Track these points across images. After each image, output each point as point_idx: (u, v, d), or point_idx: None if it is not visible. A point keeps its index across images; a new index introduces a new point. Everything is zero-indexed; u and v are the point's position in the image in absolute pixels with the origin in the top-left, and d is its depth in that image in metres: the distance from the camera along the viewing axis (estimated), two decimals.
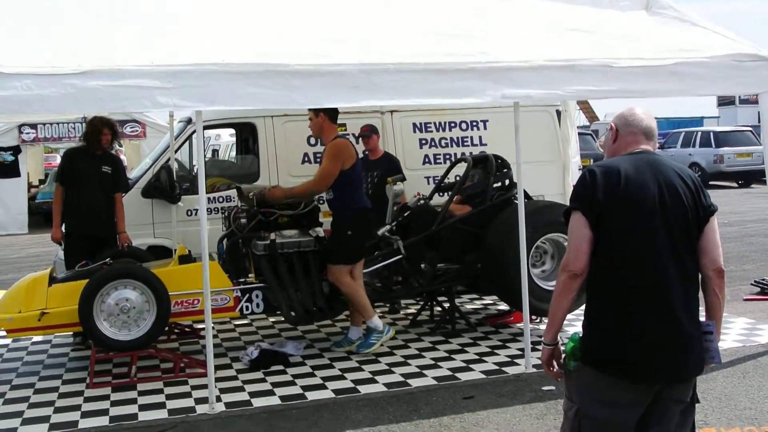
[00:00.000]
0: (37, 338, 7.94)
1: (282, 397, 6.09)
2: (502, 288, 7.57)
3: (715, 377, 6.10)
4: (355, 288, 7.06)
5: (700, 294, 3.30)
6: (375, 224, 7.37)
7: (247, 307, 7.08)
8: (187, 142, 9.23)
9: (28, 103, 5.14)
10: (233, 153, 15.37)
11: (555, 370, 3.40)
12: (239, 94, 5.45)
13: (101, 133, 7.63)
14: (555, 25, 6.96)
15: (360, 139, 8.65)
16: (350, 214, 7.08)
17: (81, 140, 7.93)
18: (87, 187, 7.58)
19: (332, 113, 7.09)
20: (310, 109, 7.04)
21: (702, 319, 3.28)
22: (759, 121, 7.04)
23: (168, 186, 8.45)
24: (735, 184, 25.04)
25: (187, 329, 8.02)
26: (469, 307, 8.96)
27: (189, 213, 8.60)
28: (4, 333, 6.87)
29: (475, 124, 9.55)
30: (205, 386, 5.97)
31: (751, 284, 9.37)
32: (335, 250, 7.06)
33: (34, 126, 19.14)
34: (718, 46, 6.73)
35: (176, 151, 9.01)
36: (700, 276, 3.28)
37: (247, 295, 7.07)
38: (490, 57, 6.04)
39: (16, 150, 19.31)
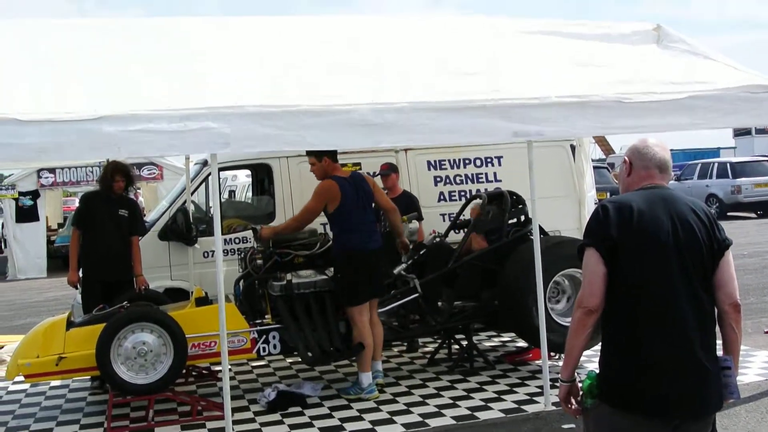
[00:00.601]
0: (55, 383, 7.94)
1: None
2: (519, 325, 7.52)
3: (737, 412, 6.01)
4: (363, 335, 6.97)
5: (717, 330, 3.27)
6: (374, 265, 7.05)
7: (264, 349, 7.07)
8: (204, 183, 9.29)
9: (45, 151, 5.19)
10: (249, 194, 15.44)
11: (573, 407, 3.37)
12: (253, 136, 5.49)
13: (113, 180, 7.71)
14: (566, 61, 7.00)
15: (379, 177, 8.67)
16: (338, 256, 7.07)
17: (98, 184, 7.99)
18: (104, 231, 7.63)
19: (333, 154, 7.09)
20: (309, 155, 7.10)
21: (720, 354, 3.25)
22: None
23: (185, 228, 8.49)
24: (753, 215, 24.86)
25: (204, 372, 8.01)
26: (487, 344, 8.90)
27: (206, 255, 8.62)
28: (22, 378, 6.88)
29: (489, 160, 9.56)
30: (222, 429, 5.92)
31: None
32: (338, 291, 7.10)
33: (52, 170, 19.37)
34: (730, 78, 6.72)
35: (192, 193, 9.07)
36: (716, 311, 3.26)
37: (264, 336, 7.05)
38: (501, 94, 6.07)
39: (35, 194, 19.54)
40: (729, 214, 23.98)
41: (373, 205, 7.23)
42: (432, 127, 5.82)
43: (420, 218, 8.60)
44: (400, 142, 6.22)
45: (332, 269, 7.23)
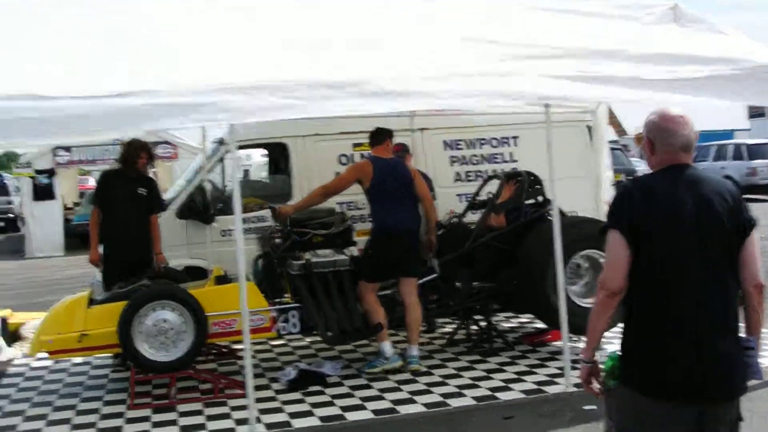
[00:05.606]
0: (77, 360, 8.01)
1: (321, 418, 6.09)
2: (538, 306, 7.53)
3: (761, 395, 5.97)
4: (374, 308, 7.09)
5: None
6: (408, 244, 7.17)
7: (283, 327, 7.10)
8: (220, 162, 9.30)
9: (67, 126, 5.20)
10: (264, 173, 15.44)
11: (594, 387, 3.37)
12: (274, 107, 5.47)
13: (138, 156, 7.73)
14: (588, 40, 6.94)
15: None
16: (373, 231, 7.21)
17: (117, 163, 8.02)
18: (123, 209, 7.65)
19: (372, 139, 7.36)
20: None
21: (742, 334, 3.25)
22: None
23: (202, 207, 8.51)
24: None
25: (224, 350, 8.06)
26: (505, 325, 8.90)
27: (223, 233, 8.64)
28: (45, 354, 6.95)
29: (505, 140, 9.53)
30: (244, 407, 5.97)
31: None
32: (361, 265, 7.17)
33: (68, 149, 19.42)
34: (752, 55, 6.66)
35: (209, 172, 9.08)
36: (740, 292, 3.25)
37: (284, 315, 7.09)
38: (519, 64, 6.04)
39: (50, 173, 19.63)
40: (744, 196, 23.70)
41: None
42: (454, 93, 5.80)
43: (433, 198, 8.57)
44: (423, 107, 6.28)
45: (351, 248, 7.28)
